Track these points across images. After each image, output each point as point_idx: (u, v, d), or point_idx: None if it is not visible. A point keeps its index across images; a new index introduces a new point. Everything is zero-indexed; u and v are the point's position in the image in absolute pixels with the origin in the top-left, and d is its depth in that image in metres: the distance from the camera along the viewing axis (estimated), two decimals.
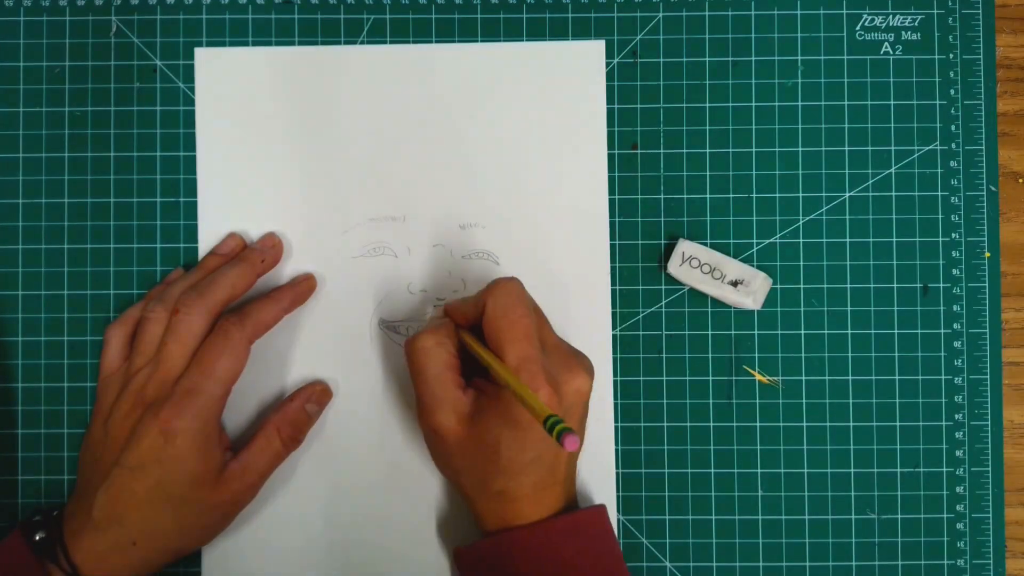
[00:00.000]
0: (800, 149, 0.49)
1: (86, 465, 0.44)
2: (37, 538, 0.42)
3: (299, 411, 0.46)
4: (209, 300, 0.44)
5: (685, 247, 0.47)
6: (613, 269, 0.49)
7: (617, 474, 0.48)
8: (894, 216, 0.49)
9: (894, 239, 0.49)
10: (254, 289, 0.47)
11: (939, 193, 0.49)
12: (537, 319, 0.43)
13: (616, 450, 0.48)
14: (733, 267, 0.47)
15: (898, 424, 0.48)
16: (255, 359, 0.46)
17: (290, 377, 0.48)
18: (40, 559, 0.41)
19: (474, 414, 0.41)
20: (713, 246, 0.48)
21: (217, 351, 0.43)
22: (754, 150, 0.49)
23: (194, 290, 0.44)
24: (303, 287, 0.47)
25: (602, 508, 0.43)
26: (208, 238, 0.48)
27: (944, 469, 0.48)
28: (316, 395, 0.47)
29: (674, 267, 0.47)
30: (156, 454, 0.42)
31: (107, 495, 0.42)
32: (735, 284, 0.47)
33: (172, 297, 0.44)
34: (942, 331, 0.49)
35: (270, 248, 0.47)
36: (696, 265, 0.47)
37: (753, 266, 0.48)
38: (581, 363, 0.43)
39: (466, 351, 0.43)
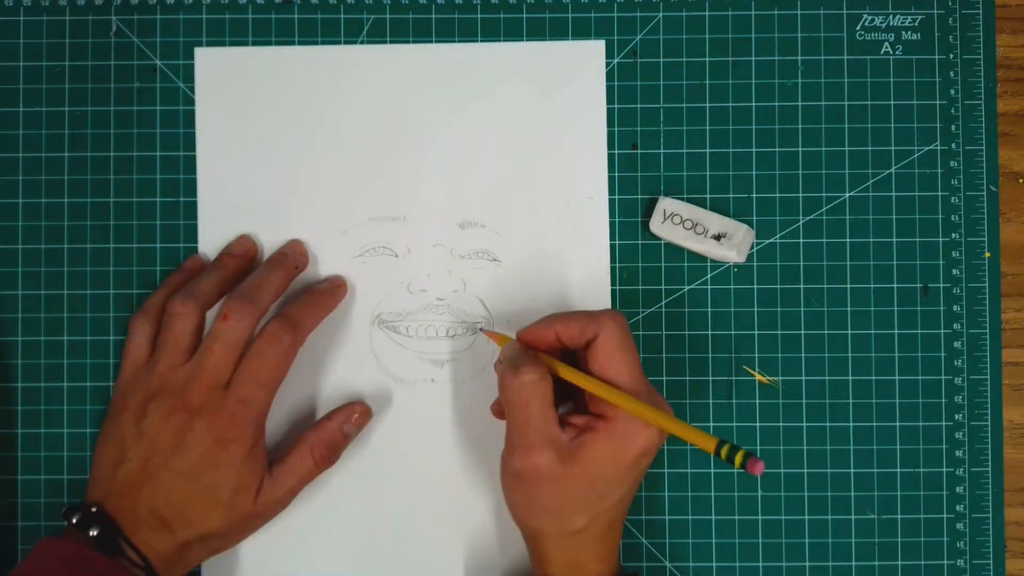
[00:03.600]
0: (800, 149, 0.49)
1: (112, 462, 0.43)
2: (93, 534, 0.41)
3: (336, 431, 0.46)
4: (260, 307, 0.44)
5: (666, 204, 0.47)
6: (613, 269, 0.49)
7: None
8: (894, 216, 0.49)
9: (894, 239, 0.49)
10: None
11: (939, 193, 0.49)
12: (638, 354, 0.42)
13: None
14: (715, 221, 0.47)
15: (898, 424, 0.48)
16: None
17: (291, 377, 0.48)
18: (107, 555, 0.41)
19: (574, 453, 0.40)
20: None
21: (271, 361, 0.43)
22: (754, 150, 0.49)
23: (243, 295, 0.44)
24: (341, 292, 0.47)
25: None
26: (208, 238, 0.48)
27: (944, 469, 0.48)
28: (356, 417, 0.46)
29: (656, 225, 0.47)
30: (210, 462, 0.42)
31: (154, 496, 0.42)
32: (718, 238, 0.46)
33: (203, 293, 0.44)
34: (942, 331, 0.49)
35: (300, 256, 0.47)
36: (678, 222, 0.47)
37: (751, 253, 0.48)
38: (663, 399, 0.43)
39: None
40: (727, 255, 0.47)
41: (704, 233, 0.47)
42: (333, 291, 0.47)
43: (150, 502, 0.42)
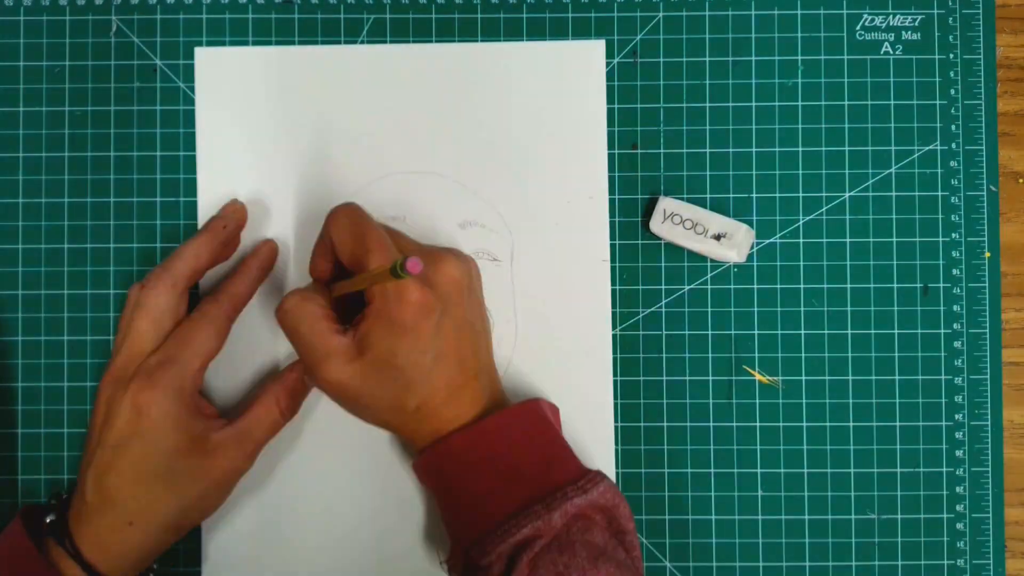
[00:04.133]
0: (800, 149, 0.49)
1: (84, 450, 0.44)
2: (48, 520, 0.42)
3: (297, 381, 0.46)
4: (173, 272, 0.44)
5: (666, 204, 0.47)
6: (613, 269, 0.49)
7: (617, 474, 0.48)
8: (894, 216, 0.49)
9: (894, 239, 0.49)
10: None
11: (939, 193, 0.49)
12: (389, 231, 0.43)
13: (616, 450, 0.48)
14: (715, 221, 0.47)
15: (898, 424, 0.48)
16: (254, 359, 0.47)
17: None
18: (38, 543, 0.41)
19: (360, 347, 0.41)
20: None
21: (195, 324, 0.43)
22: (754, 150, 0.49)
23: (161, 265, 0.44)
24: (264, 251, 0.47)
25: (534, 402, 0.43)
26: None
27: (944, 469, 0.48)
28: None
29: (656, 224, 0.47)
30: (132, 429, 0.41)
31: (94, 477, 0.42)
32: (718, 238, 0.46)
33: (153, 296, 0.44)
34: (942, 331, 0.49)
35: (231, 214, 0.47)
36: (678, 221, 0.47)
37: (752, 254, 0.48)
38: (450, 252, 0.43)
39: (350, 304, 0.43)
40: (727, 255, 0.47)
41: (704, 233, 0.47)
42: (256, 255, 0.47)
43: (94, 483, 0.42)
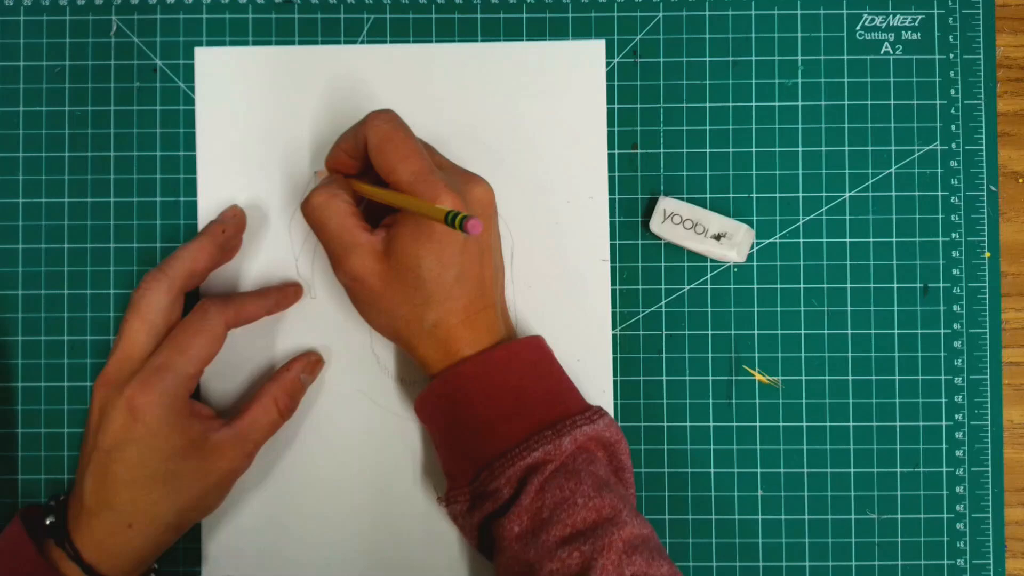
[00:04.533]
0: (800, 149, 0.49)
1: (81, 452, 0.44)
2: (48, 522, 0.42)
3: (295, 381, 0.46)
4: (169, 273, 0.43)
5: (666, 204, 0.47)
6: (613, 269, 0.49)
7: None
8: (894, 216, 0.49)
9: (894, 239, 0.49)
10: (232, 273, 0.47)
11: (939, 193, 0.49)
12: (423, 144, 0.43)
13: None
14: (715, 221, 0.47)
15: (898, 424, 0.48)
16: (254, 358, 0.47)
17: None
18: (38, 545, 0.41)
19: (387, 248, 0.41)
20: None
21: (193, 330, 0.43)
22: (754, 150, 0.49)
23: (157, 266, 0.44)
24: (290, 292, 0.47)
25: (538, 338, 0.44)
26: None
27: (944, 469, 0.48)
28: (310, 365, 0.47)
29: (656, 224, 0.47)
30: (127, 433, 0.41)
31: (92, 480, 0.42)
32: (718, 238, 0.47)
33: (148, 301, 0.44)
34: (942, 331, 0.49)
35: (231, 218, 0.47)
36: (678, 221, 0.47)
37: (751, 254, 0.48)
38: (479, 176, 0.43)
39: (371, 205, 0.43)
40: (727, 255, 0.47)
41: (704, 233, 0.47)
42: (281, 289, 0.47)
43: (92, 486, 0.42)
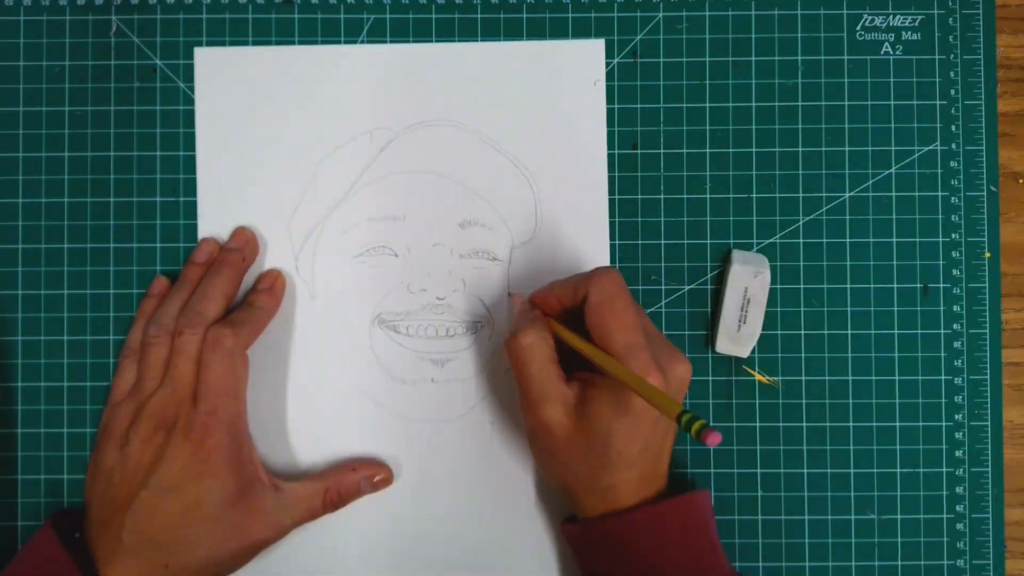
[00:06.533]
0: (800, 149, 0.49)
1: (100, 492, 0.43)
2: (77, 535, 0.42)
3: (354, 484, 0.46)
4: (208, 316, 0.44)
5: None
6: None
7: None
8: (894, 216, 0.49)
9: (894, 239, 0.49)
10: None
11: (939, 193, 0.49)
12: (637, 308, 0.43)
13: None
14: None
15: (898, 424, 0.48)
16: (254, 357, 0.47)
17: (290, 378, 0.48)
18: (74, 555, 0.41)
19: (580, 406, 0.41)
20: (713, 247, 0.48)
21: (218, 368, 0.43)
22: (754, 150, 0.49)
23: (191, 310, 0.44)
24: (278, 288, 0.47)
25: (706, 492, 0.44)
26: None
27: (944, 469, 0.48)
28: (377, 482, 0.47)
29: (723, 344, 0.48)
30: (191, 474, 0.42)
31: (137, 519, 0.42)
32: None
33: (170, 318, 0.45)
34: (942, 331, 0.49)
35: (246, 245, 0.47)
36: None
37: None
38: (680, 353, 0.42)
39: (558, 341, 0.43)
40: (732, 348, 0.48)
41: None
42: (271, 292, 0.47)
43: (135, 524, 0.42)
